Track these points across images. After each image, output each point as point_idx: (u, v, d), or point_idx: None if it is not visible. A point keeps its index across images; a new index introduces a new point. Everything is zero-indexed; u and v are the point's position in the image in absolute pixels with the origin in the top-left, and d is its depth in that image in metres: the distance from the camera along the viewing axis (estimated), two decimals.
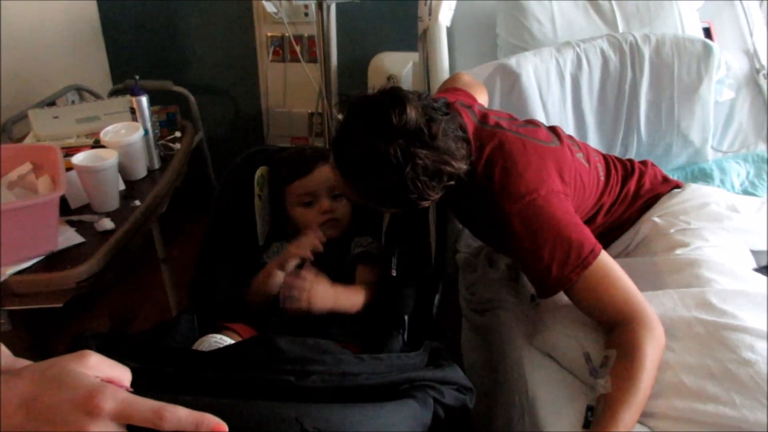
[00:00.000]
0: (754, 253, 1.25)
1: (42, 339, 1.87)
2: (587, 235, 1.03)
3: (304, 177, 1.28)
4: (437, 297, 1.17)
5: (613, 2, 1.80)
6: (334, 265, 1.19)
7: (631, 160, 1.37)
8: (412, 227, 1.31)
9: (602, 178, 1.26)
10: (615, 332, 0.98)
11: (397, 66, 2.27)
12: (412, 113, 0.95)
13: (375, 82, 2.32)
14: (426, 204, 1.03)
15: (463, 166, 1.03)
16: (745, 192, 1.68)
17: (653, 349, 0.94)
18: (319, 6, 1.91)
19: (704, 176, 1.72)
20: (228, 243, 1.30)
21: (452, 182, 1.02)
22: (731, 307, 0.99)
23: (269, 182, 1.38)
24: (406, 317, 1.05)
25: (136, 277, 2.28)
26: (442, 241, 1.39)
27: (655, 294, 1.05)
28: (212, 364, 0.74)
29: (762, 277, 1.13)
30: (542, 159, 1.11)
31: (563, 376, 1.07)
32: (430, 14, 1.72)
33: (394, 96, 0.98)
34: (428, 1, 1.73)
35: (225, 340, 0.93)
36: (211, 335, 0.92)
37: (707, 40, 1.68)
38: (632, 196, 1.29)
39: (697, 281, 1.08)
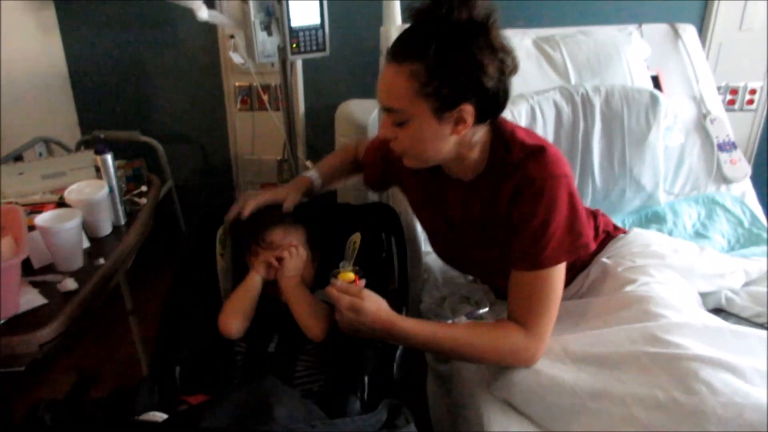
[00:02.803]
0: (702, 295, 1.31)
1: (1, 394, 1.82)
2: (588, 230, 1.15)
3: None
4: (399, 350, 1.18)
5: (565, 55, 1.89)
6: None
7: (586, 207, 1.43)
8: (372, 277, 1.33)
9: None
10: (516, 326, 1.11)
11: (364, 113, 2.32)
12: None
13: (342, 129, 2.37)
14: (487, 81, 1.03)
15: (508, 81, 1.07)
16: (697, 233, 1.75)
17: (515, 358, 1.10)
18: (282, 62, 1.96)
19: (658, 219, 1.78)
20: (191, 300, 1.31)
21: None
22: (675, 337, 1.05)
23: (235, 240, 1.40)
24: (366, 378, 1.06)
25: (103, 330, 2.25)
26: (405, 290, 1.41)
27: (601, 332, 1.12)
28: None
29: (704, 312, 1.21)
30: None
31: (521, 424, 1.09)
32: None
33: None
34: None
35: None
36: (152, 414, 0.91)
37: (654, 90, 1.77)
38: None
39: (646, 316, 1.13)
